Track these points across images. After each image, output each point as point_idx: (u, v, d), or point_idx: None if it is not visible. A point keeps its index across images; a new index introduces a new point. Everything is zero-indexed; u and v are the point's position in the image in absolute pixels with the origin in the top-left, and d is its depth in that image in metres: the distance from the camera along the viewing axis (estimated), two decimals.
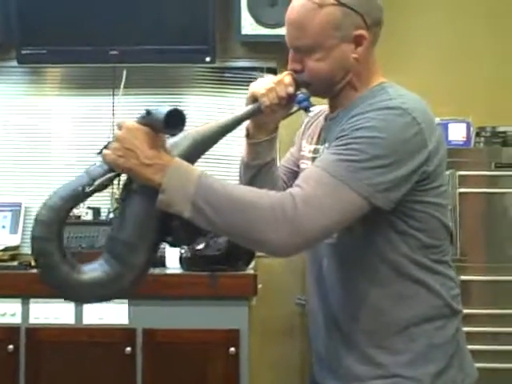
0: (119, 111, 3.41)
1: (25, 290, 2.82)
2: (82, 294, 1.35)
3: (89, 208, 3.24)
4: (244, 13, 3.12)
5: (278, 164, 1.58)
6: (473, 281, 2.86)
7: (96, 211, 3.25)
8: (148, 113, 1.27)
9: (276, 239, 1.23)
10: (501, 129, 3.00)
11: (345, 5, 1.34)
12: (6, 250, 3.16)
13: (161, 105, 3.39)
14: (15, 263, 3.08)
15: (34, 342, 2.82)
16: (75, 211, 3.17)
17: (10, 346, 2.79)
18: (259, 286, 2.86)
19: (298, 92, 1.43)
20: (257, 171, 1.49)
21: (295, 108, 1.47)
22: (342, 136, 1.30)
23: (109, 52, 3.20)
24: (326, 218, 1.24)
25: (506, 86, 3.30)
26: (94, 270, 1.32)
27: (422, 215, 1.34)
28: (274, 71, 3.27)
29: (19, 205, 3.34)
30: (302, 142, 1.57)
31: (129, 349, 2.76)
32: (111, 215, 3.13)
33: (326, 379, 1.46)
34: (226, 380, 2.77)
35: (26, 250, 3.29)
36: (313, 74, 1.38)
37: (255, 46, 3.27)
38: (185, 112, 1.28)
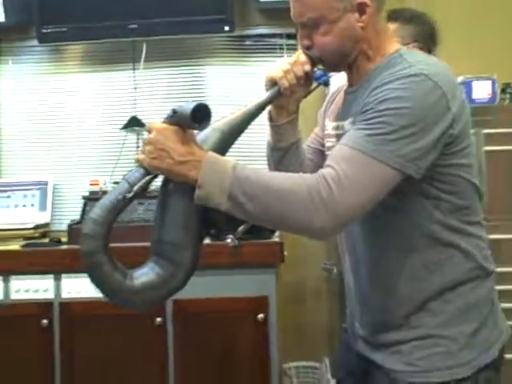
0: (141, 85, 3.43)
1: (56, 266, 2.87)
2: (137, 300, 1.37)
3: (115, 183, 3.27)
4: None
5: (304, 144, 1.58)
6: (501, 239, 2.82)
7: None
8: (174, 111, 1.30)
9: (316, 224, 1.23)
10: None
11: None
12: (36, 227, 3.21)
13: (181, 78, 3.38)
14: (46, 240, 3.13)
15: (67, 316, 2.87)
16: (103, 187, 3.22)
17: (45, 321, 2.84)
18: (285, 253, 2.87)
19: (315, 69, 1.42)
20: (283, 153, 1.50)
21: (315, 85, 1.47)
22: (367, 110, 1.29)
23: (128, 26, 3.20)
24: (361, 196, 1.24)
25: None
26: (145, 275, 1.35)
27: (452, 178, 1.34)
28: (293, 36, 3.25)
29: (46, 183, 3.38)
30: (325, 121, 1.56)
31: (159, 319, 2.79)
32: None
33: (366, 349, 1.49)
34: (256, 346, 2.79)
35: (56, 226, 3.37)
36: (322, 48, 1.38)
37: (273, 12, 3.22)
38: (209, 105, 1.30)
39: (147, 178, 1.31)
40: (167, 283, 1.35)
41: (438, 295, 1.37)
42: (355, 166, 1.25)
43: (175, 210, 1.33)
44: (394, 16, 2.27)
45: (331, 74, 1.48)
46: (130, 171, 1.35)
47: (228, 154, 1.37)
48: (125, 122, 3.32)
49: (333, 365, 3.06)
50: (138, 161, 1.32)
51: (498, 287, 1.49)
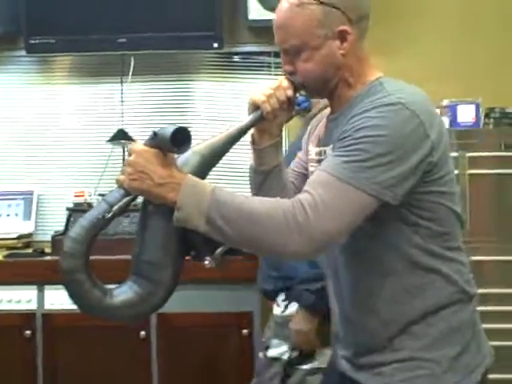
0: (128, 98, 3.44)
1: (40, 277, 2.87)
2: (117, 316, 1.40)
3: (100, 195, 3.27)
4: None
5: (288, 168, 1.60)
6: (484, 261, 2.89)
7: None
8: (155, 134, 1.32)
9: (290, 248, 1.26)
10: (510, 109, 3.00)
11: (324, 3, 1.36)
12: (19, 237, 3.21)
13: (169, 93, 3.39)
14: (29, 250, 3.13)
15: (50, 327, 2.88)
16: (87, 199, 3.22)
17: (27, 332, 2.85)
18: None
19: (297, 94, 1.45)
20: (265, 176, 1.51)
21: (296, 110, 1.50)
22: (345, 137, 1.31)
23: (117, 40, 3.22)
24: (337, 222, 1.26)
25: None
26: (124, 293, 1.36)
27: (431, 205, 1.36)
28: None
29: (31, 193, 3.38)
30: (309, 146, 1.58)
31: (143, 333, 2.81)
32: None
33: (349, 370, 1.50)
34: (241, 361, 2.82)
35: (40, 237, 3.35)
36: (304, 74, 1.40)
37: (262, 30, 3.26)
38: (189, 129, 1.32)
39: (127, 198, 1.33)
40: (146, 301, 1.37)
41: (420, 319, 1.39)
42: (332, 192, 1.27)
43: (154, 231, 1.35)
44: None
45: (313, 100, 1.51)
46: (109, 192, 1.37)
47: (210, 176, 1.39)
48: (111, 134, 3.32)
49: None
50: (118, 182, 1.34)
51: (481, 308, 1.51)
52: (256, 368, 2.34)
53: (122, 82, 3.41)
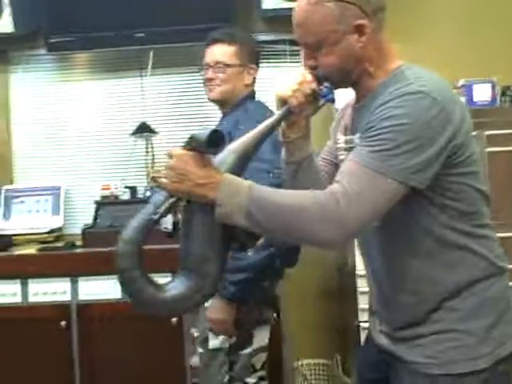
0: (148, 91, 3.51)
1: (72, 269, 2.96)
2: (169, 310, 1.51)
3: (126, 187, 3.35)
4: None
5: (318, 157, 1.66)
6: (506, 237, 2.93)
7: (133, 190, 3.35)
8: (191, 138, 1.41)
9: (326, 237, 1.34)
10: None
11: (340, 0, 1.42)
12: (50, 232, 3.29)
13: (187, 85, 3.44)
14: (60, 244, 3.21)
15: (84, 318, 2.96)
16: (114, 191, 3.30)
17: (63, 323, 2.93)
18: None
19: (321, 87, 1.50)
20: (297, 167, 1.58)
21: (322, 102, 1.54)
22: (370, 128, 1.38)
23: (135, 35, 3.28)
24: (368, 209, 1.33)
25: None
26: (176, 287, 1.45)
27: (457, 186, 1.42)
28: (296, 42, 3.33)
29: (59, 188, 3.46)
30: (337, 134, 1.64)
31: (174, 320, 2.88)
32: (148, 193, 3.23)
33: (387, 344, 1.58)
34: (270, 344, 2.89)
35: (69, 230, 3.44)
36: (326, 68, 1.46)
37: (276, 19, 3.31)
38: (223, 133, 1.40)
39: (170, 200, 1.42)
40: (196, 294, 1.46)
41: (454, 294, 1.46)
42: (361, 181, 1.34)
43: (199, 227, 1.44)
44: (213, 39, 2.40)
45: (336, 91, 1.56)
46: (154, 194, 1.49)
47: None
48: (134, 127, 3.39)
49: (343, 362, 3.16)
50: (161, 184, 1.43)
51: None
52: (202, 362, 2.35)
53: (141, 76, 3.48)
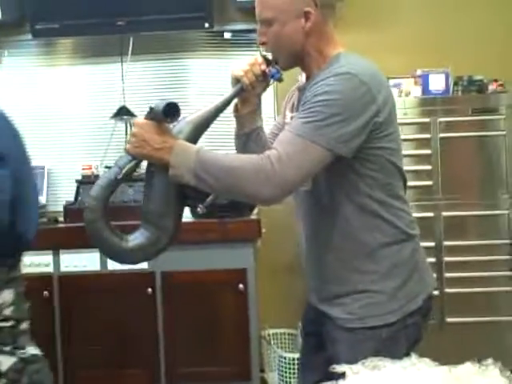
0: (128, 77, 3.69)
1: (55, 243, 3.17)
2: (131, 258, 1.72)
3: (106, 167, 3.53)
4: None
5: (267, 131, 1.86)
6: (454, 216, 3.18)
7: None
8: (151, 109, 1.62)
9: (263, 193, 1.56)
10: (477, 77, 3.26)
11: None
12: None
13: (165, 71, 3.63)
14: (43, 220, 3.40)
15: (66, 288, 3.18)
16: (94, 171, 3.50)
17: (45, 292, 3.15)
18: (263, 230, 3.18)
19: (270, 68, 1.70)
20: (246, 138, 1.78)
21: (271, 81, 1.75)
22: (305, 102, 1.59)
23: (116, 23, 3.45)
24: (298, 171, 1.55)
25: (481, 38, 3.53)
26: (136, 238, 1.68)
27: (376, 158, 1.64)
28: None
29: (42, 167, 3.66)
30: (286, 111, 1.85)
31: (150, 290, 3.11)
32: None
33: (316, 302, 1.81)
34: (237, 313, 3.12)
35: (52, 208, 3.64)
36: (273, 44, 1.67)
37: (250, 10, 3.45)
38: (178, 103, 1.61)
39: (133, 162, 1.64)
40: (153, 245, 1.68)
41: (368, 255, 1.68)
42: (294, 147, 1.55)
43: (157, 187, 1.66)
44: None
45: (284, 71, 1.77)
46: (119, 157, 1.68)
47: (204, 139, 1.68)
48: (114, 111, 3.58)
49: None
50: (125, 149, 1.65)
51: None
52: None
53: (122, 62, 3.66)
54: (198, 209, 1.67)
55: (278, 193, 1.56)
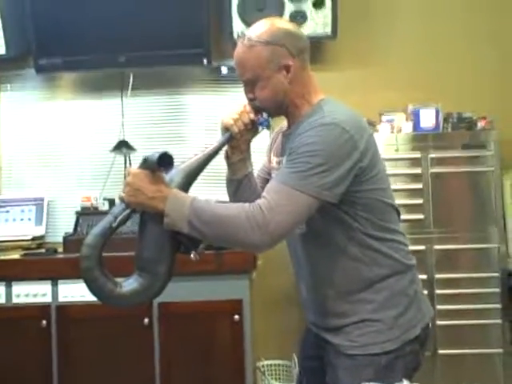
0: (128, 111, 3.78)
1: (53, 273, 3.21)
2: (125, 303, 1.77)
3: (105, 199, 3.62)
4: (235, 18, 3.49)
5: (255, 173, 1.94)
6: (446, 249, 3.25)
7: (111, 202, 3.60)
8: (145, 159, 1.69)
9: (253, 241, 1.61)
10: (466, 114, 3.36)
11: (270, 43, 1.71)
12: (33, 239, 3.55)
13: (164, 106, 3.72)
14: (42, 250, 3.47)
15: (63, 318, 3.21)
16: (94, 203, 3.57)
17: (43, 322, 3.18)
18: (259, 262, 3.24)
19: (259, 116, 1.78)
20: (238, 184, 1.86)
21: (259, 129, 1.83)
22: (292, 153, 1.68)
23: (117, 59, 3.55)
24: (288, 218, 1.61)
25: (469, 76, 3.67)
26: (131, 284, 1.73)
27: (367, 200, 1.72)
28: None
29: (42, 199, 3.73)
30: (271, 155, 1.94)
31: (147, 320, 3.14)
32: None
33: (317, 330, 1.87)
34: (233, 343, 3.16)
35: (51, 238, 3.69)
36: (262, 99, 1.75)
37: None
38: (172, 154, 1.68)
39: (127, 211, 1.69)
40: (147, 290, 1.73)
41: (368, 287, 1.75)
42: (282, 196, 1.62)
43: (150, 234, 1.70)
44: None
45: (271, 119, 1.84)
46: (114, 206, 1.75)
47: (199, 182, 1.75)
48: (114, 144, 3.66)
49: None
50: (120, 198, 1.70)
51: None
52: None
53: (122, 97, 3.75)
54: (192, 255, 1.70)
55: (269, 240, 1.62)
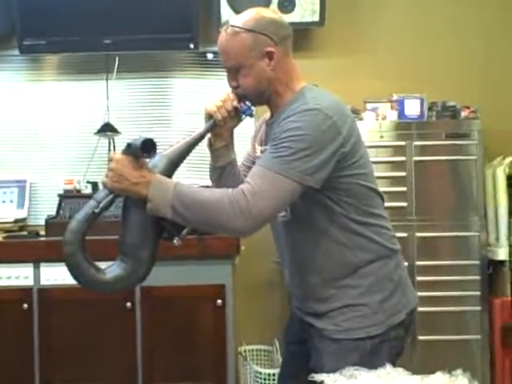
0: (113, 94, 3.75)
1: (35, 256, 3.20)
2: (108, 289, 1.77)
3: (88, 182, 3.60)
4: (223, 4, 3.47)
5: (239, 163, 1.94)
6: (428, 237, 3.29)
7: (94, 185, 3.57)
8: (128, 145, 1.69)
9: (236, 226, 1.62)
10: (450, 103, 3.38)
11: (252, 30, 1.71)
12: (15, 222, 3.53)
13: (150, 89, 3.70)
14: (24, 233, 3.45)
15: (45, 301, 3.20)
16: (76, 186, 3.55)
17: (25, 305, 3.17)
18: (242, 247, 3.26)
19: (242, 104, 1.78)
20: (221, 171, 1.86)
21: (242, 117, 1.83)
22: (275, 138, 1.68)
23: (102, 41, 3.52)
24: (271, 203, 1.62)
25: (454, 66, 3.71)
26: (114, 270, 1.73)
27: (349, 185, 1.73)
28: None
29: (24, 181, 3.70)
30: (255, 145, 1.94)
31: (129, 304, 3.15)
32: None
33: (302, 315, 1.88)
34: (215, 328, 3.18)
35: (33, 221, 3.68)
36: (245, 87, 1.75)
37: None
38: (155, 139, 1.67)
39: (110, 196, 1.68)
40: (131, 276, 1.73)
41: (353, 272, 1.76)
42: (265, 181, 1.62)
43: (134, 219, 1.70)
44: None
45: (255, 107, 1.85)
46: (97, 191, 1.75)
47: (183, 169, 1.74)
48: (98, 127, 3.64)
49: (282, 345, 3.44)
50: (103, 183, 1.70)
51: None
52: None
53: (107, 79, 3.72)
54: (175, 241, 1.70)
55: (252, 224, 1.62)
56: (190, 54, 3.77)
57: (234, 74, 1.76)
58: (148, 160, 1.70)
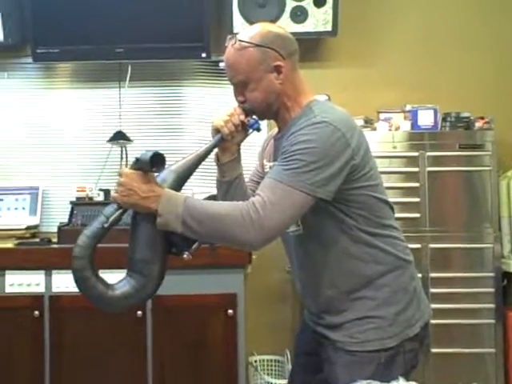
0: (125, 102, 3.77)
1: (47, 263, 3.19)
2: (117, 306, 1.74)
3: (100, 190, 3.60)
4: (235, 13, 3.48)
5: (247, 179, 1.93)
6: (442, 248, 3.26)
7: (106, 193, 3.59)
8: (137, 159, 1.68)
9: (247, 239, 1.61)
10: (464, 114, 3.36)
11: (260, 45, 1.71)
12: (27, 228, 3.53)
13: (162, 98, 3.71)
14: (37, 240, 3.44)
15: (56, 308, 3.19)
16: (89, 193, 3.55)
17: (36, 312, 3.16)
18: (254, 256, 3.24)
19: (249, 118, 1.78)
20: (228, 185, 1.85)
21: (249, 131, 1.83)
22: (285, 151, 1.67)
23: (115, 50, 3.54)
24: (282, 216, 1.61)
25: (467, 77, 3.69)
26: (123, 286, 1.71)
27: (360, 197, 1.72)
28: None
29: (37, 188, 3.71)
30: (264, 161, 1.93)
31: (140, 312, 3.13)
32: None
33: (315, 326, 1.87)
34: (226, 338, 3.16)
35: (45, 228, 3.68)
36: (252, 101, 1.75)
37: None
38: (163, 154, 1.67)
39: (119, 211, 1.68)
40: (140, 292, 1.71)
41: (368, 284, 1.75)
42: (276, 194, 1.61)
43: (143, 235, 1.69)
44: None
45: (262, 121, 1.84)
46: (106, 206, 1.72)
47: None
48: (111, 135, 3.65)
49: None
50: (112, 198, 1.69)
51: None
52: None
53: (119, 88, 3.74)
54: (184, 255, 1.69)
55: (263, 237, 1.61)
56: (202, 63, 3.78)
57: (241, 88, 1.76)
58: (156, 174, 1.69)
